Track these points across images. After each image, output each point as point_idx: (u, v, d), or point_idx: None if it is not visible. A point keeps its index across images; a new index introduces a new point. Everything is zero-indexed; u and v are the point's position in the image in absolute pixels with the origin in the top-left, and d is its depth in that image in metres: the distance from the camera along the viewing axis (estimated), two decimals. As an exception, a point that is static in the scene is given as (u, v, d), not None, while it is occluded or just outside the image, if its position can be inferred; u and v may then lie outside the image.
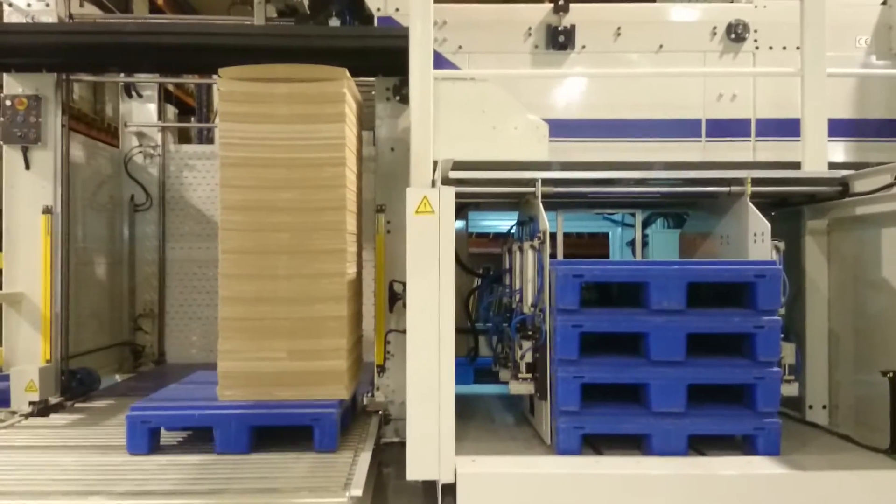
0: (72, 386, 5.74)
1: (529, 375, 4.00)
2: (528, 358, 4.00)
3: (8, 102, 5.55)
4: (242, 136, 4.46)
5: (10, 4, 5.65)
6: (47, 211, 5.58)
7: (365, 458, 4.08)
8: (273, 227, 4.45)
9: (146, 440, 4.21)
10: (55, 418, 5.21)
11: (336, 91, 4.50)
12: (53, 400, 5.46)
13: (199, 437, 4.42)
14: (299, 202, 4.47)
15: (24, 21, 5.66)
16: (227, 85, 4.48)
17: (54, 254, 5.60)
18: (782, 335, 3.82)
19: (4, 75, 5.67)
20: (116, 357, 7.16)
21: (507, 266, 4.78)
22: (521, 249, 4.34)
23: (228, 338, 4.44)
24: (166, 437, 4.47)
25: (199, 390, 4.70)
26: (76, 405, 5.57)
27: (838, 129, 5.14)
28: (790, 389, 4.01)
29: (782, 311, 3.87)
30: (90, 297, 6.64)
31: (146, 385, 5.81)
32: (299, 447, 4.27)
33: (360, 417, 5.06)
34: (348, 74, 4.55)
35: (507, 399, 5.04)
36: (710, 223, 4.65)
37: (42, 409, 5.29)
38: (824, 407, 4.42)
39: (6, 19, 5.73)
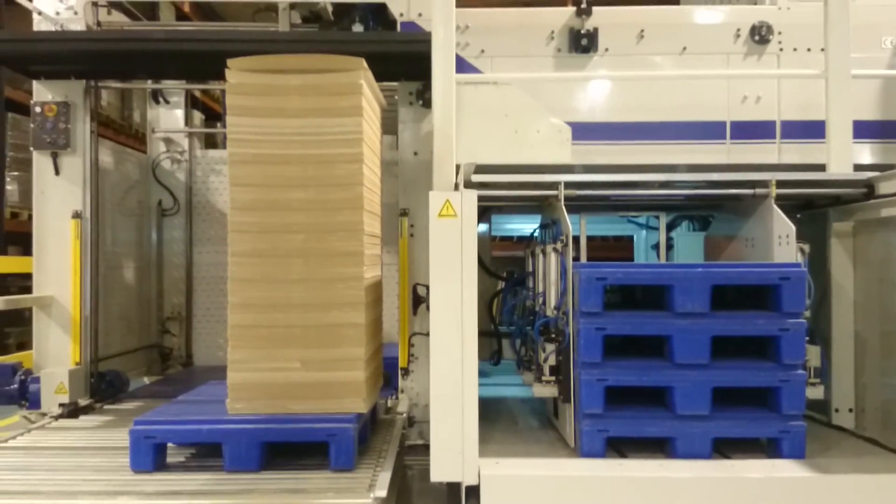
0: (101, 388, 5.81)
1: (553, 378, 3.99)
2: (552, 361, 3.98)
3: (38, 109, 5.62)
4: (253, 131, 4.19)
5: (40, 13, 5.74)
6: (77, 216, 5.65)
7: (384, 477, 3.83)
8: (286, 229, 4.16)
9: (151, 457, 3.95)
10: (84, 420, 5.27)
11: (352, 82, 4.17)
12: (83, 402, 5.53)
13: (209, 453, 4.17)
14: (314, 202, 4.15)
15: (53, 29, 5.75)
16: (235, 76, 4.15)
17: (84, 258, 5.67)
18: (808, 338, 3.79)
19: (34, 82, 5.75)
20: (145, 360, 7.24)
21: (531, 269, 4.79)
22: (544, 252, 4.34)
23: (239, 347, 4.15)
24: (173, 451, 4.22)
25: (209, 402, 4.43)
26: (105, 407, 5.64)
27: (863, 130, 5.11)
28: (815, 392, 3.96)
29: (808, 313, 3.84)
30: (119, 300, 6.71)
31: (174, 387, 5.86)
32: (314, 465, 4.01)
33: (383, 424, 4.98)
34: (365, 65, 4.24)
35: (530, 402, 5.04)
36: (736, 226, 4.63)
37: (72, 410, 5.36)
38: (850, 410, 4.37)
39: (35, 27, 5.81)
